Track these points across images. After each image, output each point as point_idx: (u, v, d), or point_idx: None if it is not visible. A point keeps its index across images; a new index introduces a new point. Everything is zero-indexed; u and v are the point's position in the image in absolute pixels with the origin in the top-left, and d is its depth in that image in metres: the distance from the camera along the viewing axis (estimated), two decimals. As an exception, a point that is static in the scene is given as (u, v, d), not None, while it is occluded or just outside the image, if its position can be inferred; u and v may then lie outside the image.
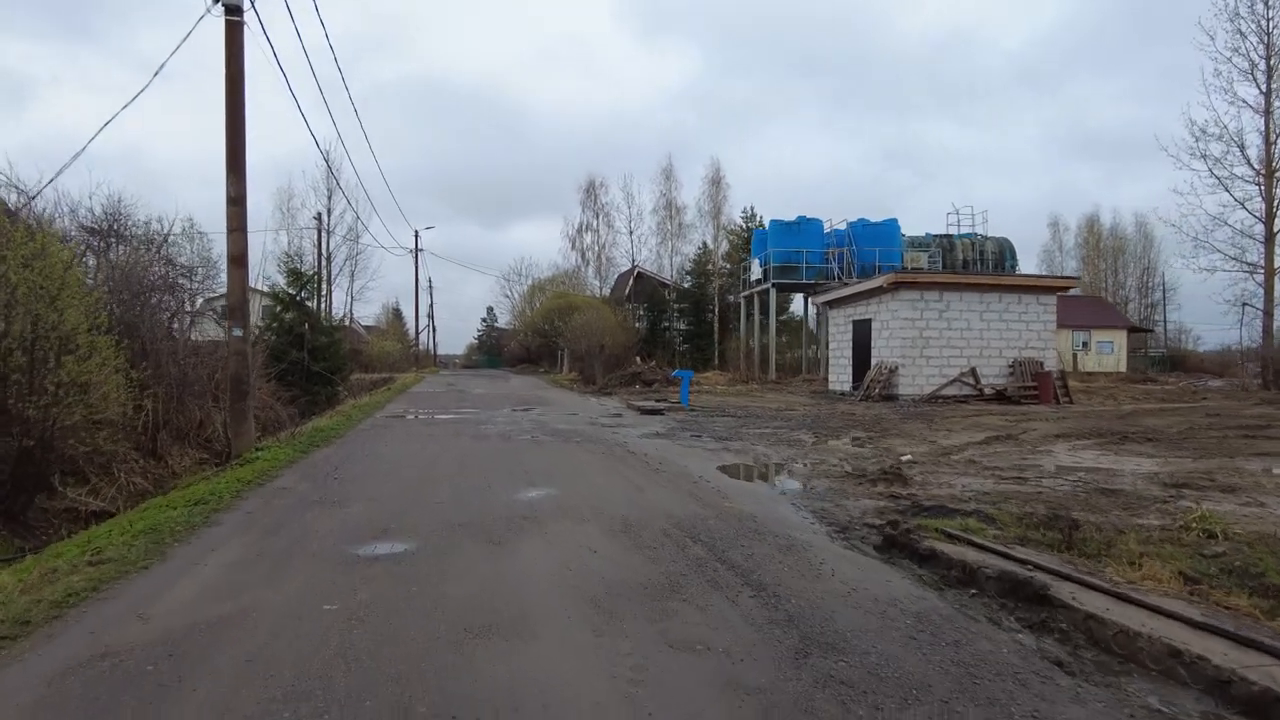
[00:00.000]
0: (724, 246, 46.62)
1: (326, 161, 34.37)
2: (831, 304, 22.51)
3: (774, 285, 28.60)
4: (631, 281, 47.53)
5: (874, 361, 20.11)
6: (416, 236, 48.92)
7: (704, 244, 47.01)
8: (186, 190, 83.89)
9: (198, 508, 6.08)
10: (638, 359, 29.84)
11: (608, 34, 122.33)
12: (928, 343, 19.38)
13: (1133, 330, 44.52)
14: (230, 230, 8.89)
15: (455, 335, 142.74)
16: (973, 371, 19.53)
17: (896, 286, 19.21)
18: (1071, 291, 33.62)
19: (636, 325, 42.27)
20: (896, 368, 19.25)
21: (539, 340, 45.95)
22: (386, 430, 12.28)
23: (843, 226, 30.34)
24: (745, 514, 6.02)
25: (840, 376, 21.90)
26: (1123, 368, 38.15)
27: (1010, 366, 19.81)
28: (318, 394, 24.22)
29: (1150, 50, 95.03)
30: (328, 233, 36.17)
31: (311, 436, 10.56)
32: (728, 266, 44.97)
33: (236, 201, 8.85)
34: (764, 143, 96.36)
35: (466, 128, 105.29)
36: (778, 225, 29.28)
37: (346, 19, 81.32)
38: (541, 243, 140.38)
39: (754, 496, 6.94)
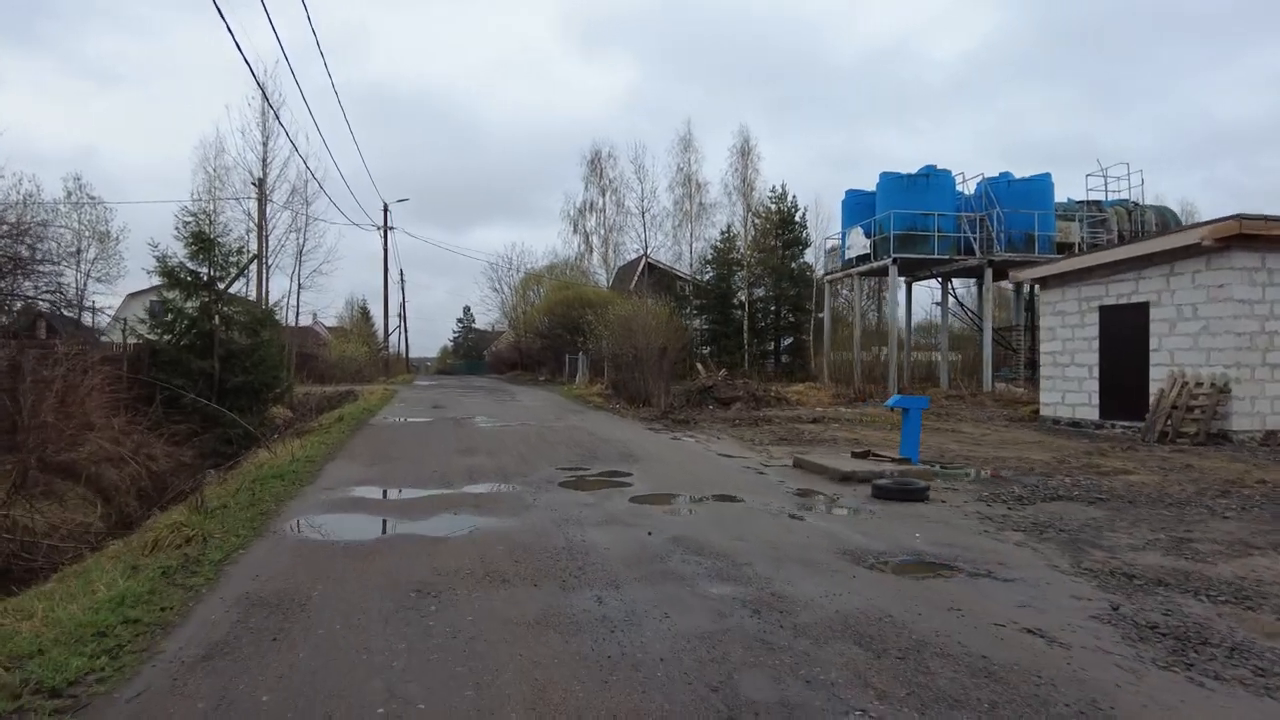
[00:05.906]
0: (751, 232, 38.81)
1: (261, 90, 25.04)
2: (1047, 281, 14.39)
3: (895, 261, 20.34)
4: (641, 272, 39.04)
5: (1161, 373, 12.05)
6: (386, 211, 39.97)
7: (729, 226, 38.95)
8: (143, 191, 76.15)
9: None
10: (699, 367, 21.49)
11: (549, 46, 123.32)
12: (1272, 341, 11.42)
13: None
14: None
15: (425, 338, 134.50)
16: (1330, 389, 11.63)
17: (1228, 245, 11.18)
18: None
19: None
20: (1228, 385, 11.22)
21: (540, 342, 37.31)
22: None
23: (971, 189, 22.40)
24: None
25: (1070, 396, 13.79)
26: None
27: (1384, 381, 11.97)
28: (232, 426, 15.48)
29: (1080, 64, 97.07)
30: (268, 200, 26.90)
31: None
32: (758, 255, 37.13)
33: None
34: (711, 152, 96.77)
35: (416, 134, 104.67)
36: (893, 180, 21.13)
37: (296, 27, 72.59)
38: (511, 242, 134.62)
39: None
